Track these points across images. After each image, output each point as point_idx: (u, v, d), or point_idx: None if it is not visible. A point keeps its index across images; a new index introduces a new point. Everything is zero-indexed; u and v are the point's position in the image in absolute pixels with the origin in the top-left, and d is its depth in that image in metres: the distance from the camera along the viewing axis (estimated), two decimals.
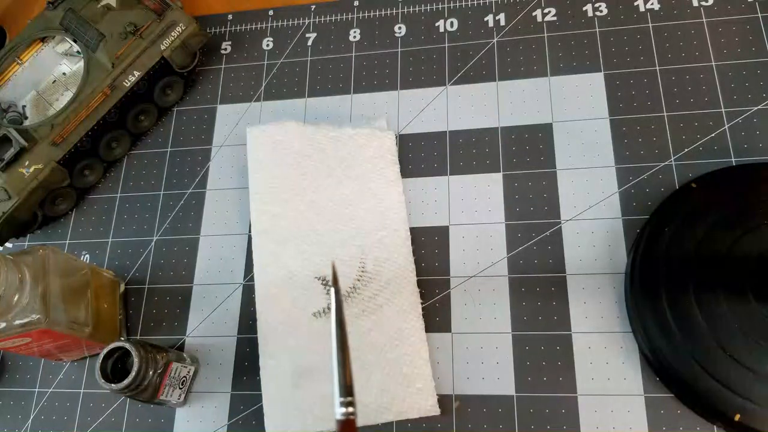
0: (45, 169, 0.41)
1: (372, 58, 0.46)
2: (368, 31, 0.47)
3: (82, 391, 0.40)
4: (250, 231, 0.41)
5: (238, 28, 0.49)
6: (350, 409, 0.18)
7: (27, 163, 0.41)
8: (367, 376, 0.35)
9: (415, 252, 0.39)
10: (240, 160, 0.44)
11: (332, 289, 0.19)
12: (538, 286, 0.37)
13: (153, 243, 0.43)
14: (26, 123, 0.43)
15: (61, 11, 0.44)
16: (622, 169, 0.39)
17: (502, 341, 0.36)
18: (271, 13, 0.49)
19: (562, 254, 0.37)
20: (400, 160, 0.42)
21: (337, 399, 0.18)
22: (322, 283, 0.38)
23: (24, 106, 0.45)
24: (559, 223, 0.38)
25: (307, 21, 0.48)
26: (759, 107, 0.38)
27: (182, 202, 0.44)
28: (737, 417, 0.31)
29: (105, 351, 0.35)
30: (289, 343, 0.37)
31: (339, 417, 0.18)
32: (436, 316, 0.37)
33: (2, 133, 0.40)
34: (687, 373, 0.32)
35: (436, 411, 0.35)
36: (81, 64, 0.43)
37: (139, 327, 0.41)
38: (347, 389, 0.18)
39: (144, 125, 0.46)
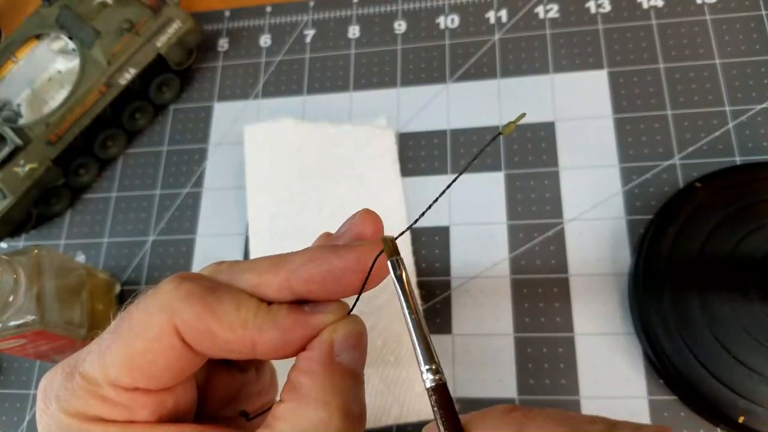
0: (40, 168, 0.41)
1: (371, 56, 0.45)
2: (368, 28, 0.46)
3: None
4: (247, 231, 0.41)
5: (236, 24, 0.49)
6: (438, 376, 0.18)
7: (22, 161, 0.40)
8: (365, 380, 0.35)
9: (415, 252, 0.39)
10: (237, 159, 0.43)
11: (389, 261, 0.19)
12: (540, 287, 0.36)
13: (149, 243, 0.42)
14: (21, 121, 0.43)
15: (57, 8, 0.43)
16: (625, 168, 0.38)
17: (503, 343, 0.36)
18: (269, 9, 0.48)
19: (565, 254, 0.37)
20: (400, 159, 0.41)
21: (423, 367, 0.18)
22: None
23: (19, 105, 0.44)
24: (562, 222, 0.38)
25: (305, 18, 0.48)
26: (763, 105, 0.38)
27: (179, 201, 0.43)
28: (741, 419, 0.31)
29: None
30: None
31: (429, 385, 0.17)
32: (437, 318, 0.37)
33: None
34: (691, 375, 0.32)
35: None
36: (76, 61, 0.43)
37: None
38: (429, 356, 0.18)
39: (140, 123, 0.46)
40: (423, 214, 0.20)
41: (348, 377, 0.18)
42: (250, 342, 0.18)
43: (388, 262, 0.19)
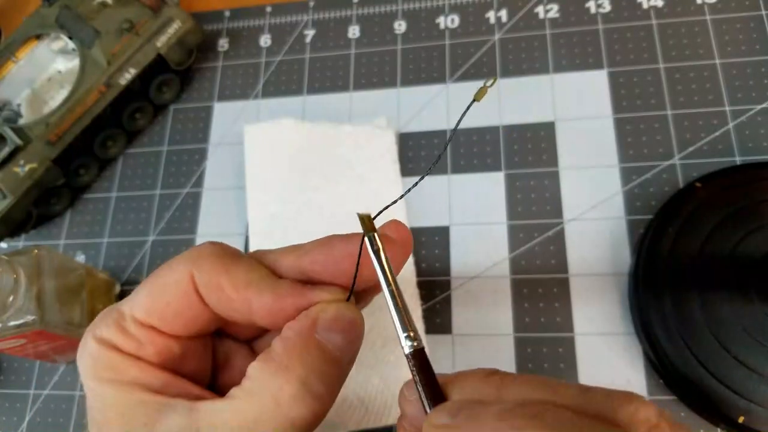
0: (40, 168, 0.41)
1: (371, 56, 0.45)
2: (368, 28, 0.46)
3: (77, 393, 0.39)
4: (247, 231, 0.41)
5: (236, 24, 0.49)
6: (416, 343, 0.19)
7: (22, 161, 0.40)
8: (365, 379, 0.35)
9: (415, 252, 0.39)
10: (237, 159, 0.43)
11: (366, 238, 0.20)
12: (540, 287, 0.36)
13: (149, 243, 0.42)
14: (21, 121, 0.43)
15: (57, 8, 0.43)
16: (625, 168, 0.38)
17: (503, 343, 0.36)
18: (269, 9, 0.48)
19: (565, 254, 0.37)
20: (399, 159, 0.41)
21: (402, 334, 0.19)
22: None
23: (19, 105, 0.44)
24: (562, 222, 0.38)
25: (305, 18, 0.48)
26: (763, 105, 0.38)
27: (179, 201, 0.43)
28: (741, 419, 0.31)
29: None
30: None
31: (408, 351, 0.19)
32: (437, 318, 0.37)
33: None
34: (691, 375, 0.31)
35: None
36: (76, 61, 0.43)
37: None
38: (406, 323, 0.19)
39: (140, 123, 0.46)
40: (403, 195, 0.21)
41: (322, 355, 0.19)
42: (248, 302, 0.19)
43: (365, 237, 0.20)
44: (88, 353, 0.20)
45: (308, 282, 0.20)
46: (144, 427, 0.19)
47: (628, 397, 0.16)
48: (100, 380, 0.20)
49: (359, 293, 0.22)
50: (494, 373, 0.18)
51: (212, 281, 0.19)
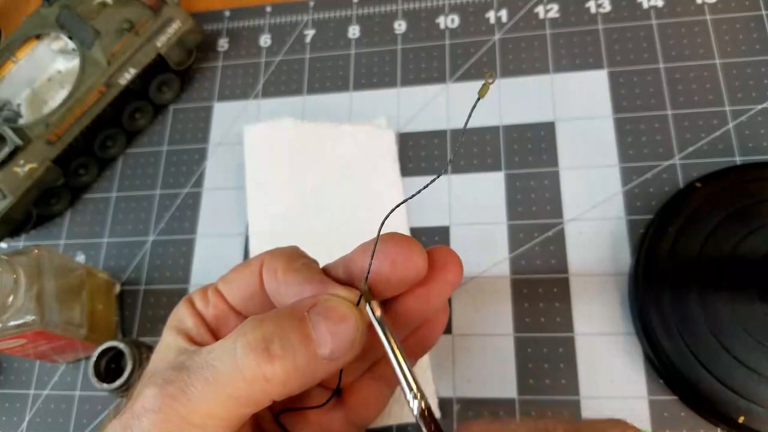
0: (40, 168, 0.41)
1: (371, 56, 0.45)
2: (368, 28, 0.46)
3: (77, 393, 0.39)
4: (247, 231, 0.41)
5: (236, 24, 0.49)
6: (423, 403, 0.20)
7: (22, 161, 0.40)
8: None
9: None
10: (237, 159, 0.43)
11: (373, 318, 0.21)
12: (540, 287, 0.36)
13: (149, 243, 0.42)
14: (21, 121, 0.43)
15: (57, 8, 0.43)
16: (625, 168, 0.38)
17: (503, 343, 0.36)
18: (269, 9, 0.48)
19: (565, 254, 0.37)
20: (400, 159, 0.41)
21: (410, 397, 0.20)
22: None
23: (19, 104, 0.44)
24: (562, 222, 0.38)
25: (305, 18, 0.48)
26: (763, 105, 0.38)
27: (178, 201, 0.43)
28: (741, 419, 0.31)
29: (98, 351, 0.35)
30: None
31: (416, 412, 0.20)
32: None
33: None
34: (691, 375, 0.32)
35: (436, 414, 0.34)
36: (76, 61, 0.43)
37: (135, 328, 0.40)
38: (412, 386, 0.20)
39: (140, 123, 0.46)
40: (411, 197, 0.21)
41: (300, 330, 0.20)
42: (285, 285, 0.22)
43: (367, 305, 0.21)
44: (175, 308, 0.24)
45: (351, 283, 0.22)
46: (162, 361, 0.22)
47: (614, 422, 0.17)
48: (169, 327, 0.24)
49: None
50: (495, 421, 0.19)
51: (271, 266, 0.22)
